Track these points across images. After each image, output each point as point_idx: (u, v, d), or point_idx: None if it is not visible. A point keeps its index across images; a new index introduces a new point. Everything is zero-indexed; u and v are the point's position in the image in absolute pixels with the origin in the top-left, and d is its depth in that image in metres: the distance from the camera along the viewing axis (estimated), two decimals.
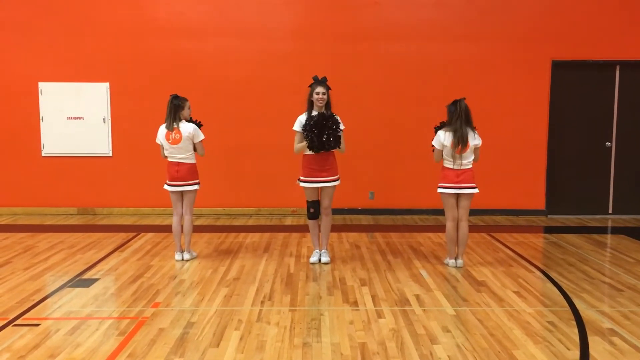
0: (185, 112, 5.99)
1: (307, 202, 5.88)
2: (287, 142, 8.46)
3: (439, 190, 5.75)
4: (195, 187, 6.09)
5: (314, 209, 5.86)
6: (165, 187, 6.09)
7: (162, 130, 6.00)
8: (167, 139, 5.95)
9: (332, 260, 6.04)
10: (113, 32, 8.62)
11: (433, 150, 5.78)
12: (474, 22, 8.64)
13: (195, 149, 6.07)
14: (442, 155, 5.71)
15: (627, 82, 8.74)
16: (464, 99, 5.66)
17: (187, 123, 5.99)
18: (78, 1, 8.61)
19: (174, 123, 5.93)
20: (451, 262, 5.86)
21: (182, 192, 6.07)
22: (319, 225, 5.96)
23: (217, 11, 8.64)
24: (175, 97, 5.98)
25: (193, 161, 6.06)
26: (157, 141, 6.06)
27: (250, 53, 8.64)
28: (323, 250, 5.95)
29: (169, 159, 6.04)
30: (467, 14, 8.63)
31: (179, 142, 5.93)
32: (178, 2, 8.64)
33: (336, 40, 8.58)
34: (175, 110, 5.94)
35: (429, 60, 8.66)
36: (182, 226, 6.12)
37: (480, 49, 8.64)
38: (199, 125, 6.10)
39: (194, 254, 6.27)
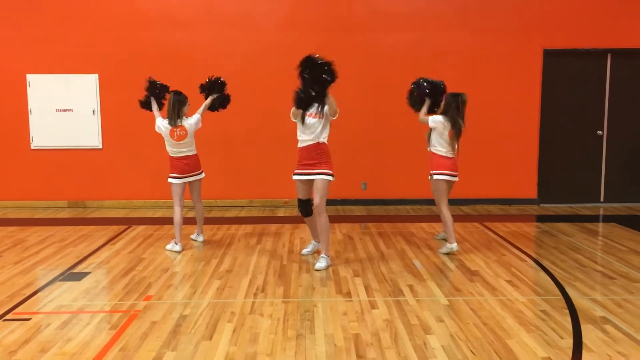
0: (186, 109, 6.11)
1: (298, 200, 5.74)
2: (279, 133, 8.46)
3: (439, 177, 5.87)
4: (203, 175, 6.32)
5: (301, 208, 5.70)
6: (172, 180, 6.14)
7: (163, 123, 6.06)
8: (172, 136, 6.02)
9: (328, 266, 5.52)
10: (102, 23, 8.52)
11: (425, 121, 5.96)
12: (465, 12, 8.60)
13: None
14: (429, 140, 5.97)
15: (619, 70, 8.74)
16: (465, 94, 5.88)
17: (187, 118, 6.10)
18: None
19: (178, 120, 5.99)
20: (456, 245, 5.88)
21: (188, 182, 6.21)
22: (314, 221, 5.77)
23: (207, 2, 8.56)
24: (177, 93, 6.08)
25: (196, 152, 6.24)
26: (157, 129, 6.12)
27: (241, 44, 8.57)
28: (321, 255, 5.52)
29: (174, 155, 6.12)
30: (459, 3, 8.60)
31: (185, 138, 6.06)
32: None
33: (327, 30, 8.53)
34: (179, 106, 6.04)
35: (421, 50, 8.62)
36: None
37: (472, 38, 8.61)
38: (222, 83, 6.38)
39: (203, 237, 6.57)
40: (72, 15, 8.51)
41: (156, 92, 6.31)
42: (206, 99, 6.38)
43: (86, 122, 8.66)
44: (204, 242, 6.51)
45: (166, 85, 6.36)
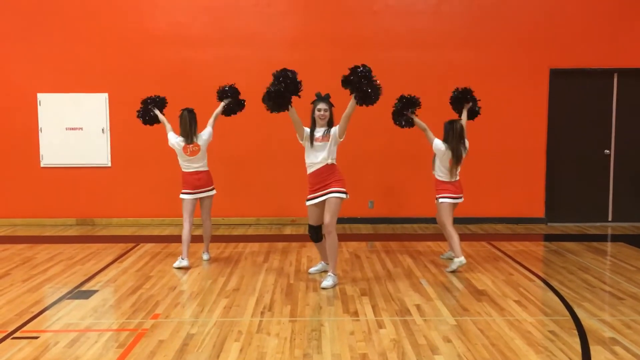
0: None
1: (308, 226, 5.70)
2: (287, 151, 8.50)
3: (444, 200, 6.03)
4: (214, 191, 6.37)
5: (311, 234, 5.66)
6: (184, 196, 6.20)
7: (177, 140, 6.15)
8: (185, 151, 6.11)
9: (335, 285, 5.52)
10: (112, 42, 8.64)
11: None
12: (472, 31, 8.67)
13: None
14: (436, 164, 6.12)
15: (625, 89, 8.76)
16: (460, 120, 6.14)
17: (200, 134, 6.20)
18: (77, 12, 8.63)
19: (195, 137, 6.10)
20: (463, 258, 5.93)
21: (200, 199, 6.28)
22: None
23: (216, 21, 8.67)
24: (190, 111, 6.21)
25: (208, 168, 6.31)
26: (171, 145, 6.22)
27: (250, 62, 8.65)
28: (329, 274, 5.53)
29: (186, 169, 6.21)
30: (465, 23, 8.67)
31: (198, 154, 6.15)
32: (177, 12, 8.66)
33: (335, 48, 8.60)
34: (195, 124, 6.16)
35: (428, 68, 8.68)
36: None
37: (479, 57, 8.67)
38: (233, 90, 6.49)
39: (209, 256, 6.61)
40: (83, 35, 8.63)
41: (153, 104, 6.49)
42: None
43: (96, 140, 8.73)
44: (211, 260, 6.52)
45: (161, 98, 6.56)
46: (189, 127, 6.08)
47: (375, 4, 8.68)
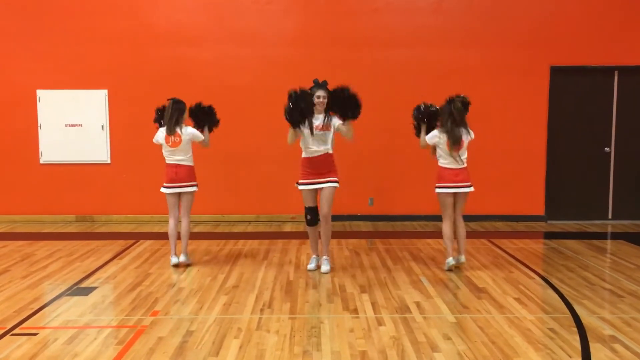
0: (184, 116, 6.07)
1: (305, 208, 5.82)
2: (286, 148, 8.46)
3: (439, 190, 5.86)
4: (194, 188, 6.13)
5: (310, 216, 5.79)
6: (163, 190, 6.09)
7: (163, 132, 6.05)
8: (167, 141, 6.01)
9: (332, 268, 5.98)
10: (112, 39, 8.62)
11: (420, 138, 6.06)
12: (473, 29, 8.65)
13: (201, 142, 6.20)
14: (433, 150, 5.94)
15: (626, 87, 8.74)
16: (461, 98, 5.79)
17: (187, 127, 6.05)
18: (76, 9, 8.61)
19: (176, 128, 5.97)
20: (452, 260, 5.85)
21: (179, 194, 6.09)
22: (319, 232, 5.89)
23: (216, 19, 8.65)
24: (176, 101, 6.03)
25: (191, 164, 6.12)
26: (155, 141, 6.12)
27: (249, 60, 8.65)
28: (324, 258, 5.78)
29: (168, 161, 6.08)
30: (466, 21, 8.65)
31: (179, 145, 6.00)
32: (177, 10, 8.64)
33: (335, 46, 8.59)
34: (179, 114, 6.00)
35: (428, 66, 8.66)
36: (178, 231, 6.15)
37: (479, 55, 8.65)
38: (210, 111, 6.28)
39: (189, 260, 6.20)
40: (82, 31, 8.61)
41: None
42: (198, 126, 6.26)
43: (95, 137, 8.72)
44: (210, 257, 6.50)
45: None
46: (169, 117, 5.94)
47: (375, 2, 8.66)
